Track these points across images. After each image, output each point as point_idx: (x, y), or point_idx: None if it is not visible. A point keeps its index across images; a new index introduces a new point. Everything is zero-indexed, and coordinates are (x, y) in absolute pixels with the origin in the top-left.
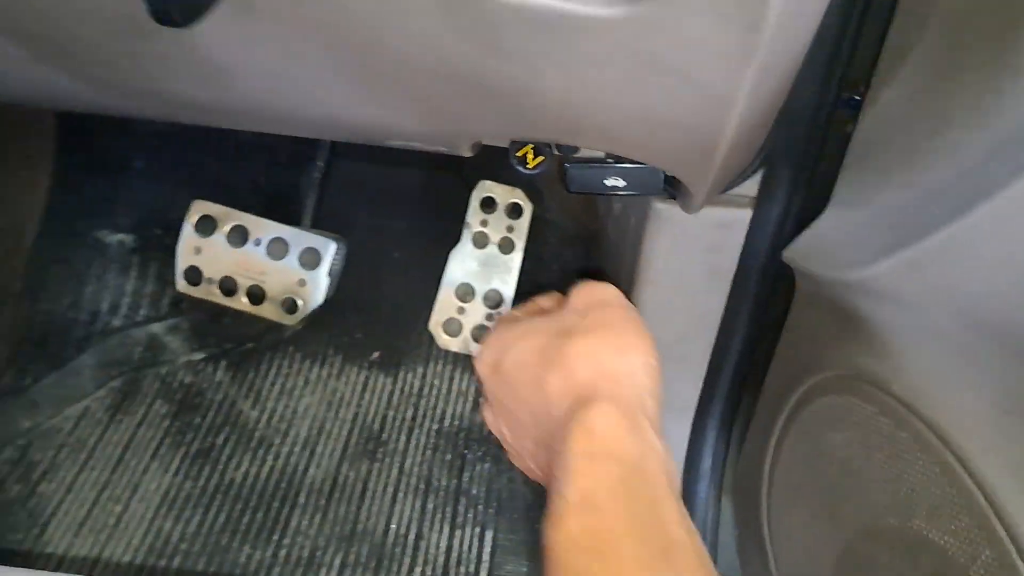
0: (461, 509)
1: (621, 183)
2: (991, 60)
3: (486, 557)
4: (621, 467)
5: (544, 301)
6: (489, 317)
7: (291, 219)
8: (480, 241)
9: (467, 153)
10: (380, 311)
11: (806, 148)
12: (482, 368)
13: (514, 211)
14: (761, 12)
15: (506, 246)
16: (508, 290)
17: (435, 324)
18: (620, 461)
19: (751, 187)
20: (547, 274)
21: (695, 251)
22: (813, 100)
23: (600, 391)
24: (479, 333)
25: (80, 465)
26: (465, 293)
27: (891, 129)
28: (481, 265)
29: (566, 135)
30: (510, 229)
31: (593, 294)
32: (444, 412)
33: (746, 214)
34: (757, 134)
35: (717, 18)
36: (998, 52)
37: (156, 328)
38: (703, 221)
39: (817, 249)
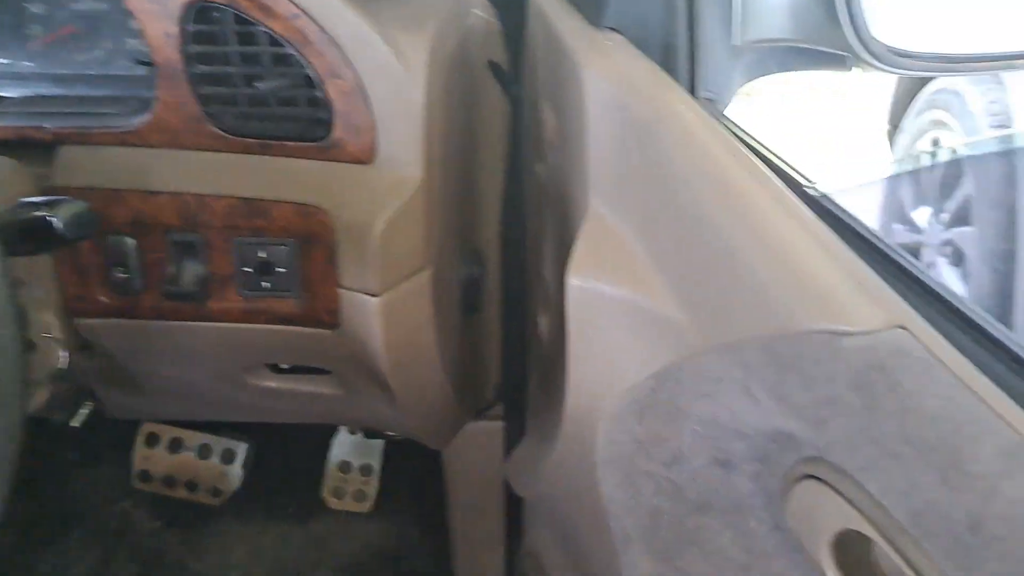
0: None
1: None
2: None
3: None
4: None
5: None
6: (364, 483)
7: (214, 426)
8: (354, 430)
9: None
10: (284, 491)
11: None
12: None
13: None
14: None
15: (370, 432)
16: (376, 464)
17: (326, 492)
18: None
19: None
20: None
21: None
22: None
23: None
24: (360, 496)
25: None
26: (346, 468)
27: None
28: (353, 446)
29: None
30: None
31: None
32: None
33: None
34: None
35: None
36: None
37: (126, 505)
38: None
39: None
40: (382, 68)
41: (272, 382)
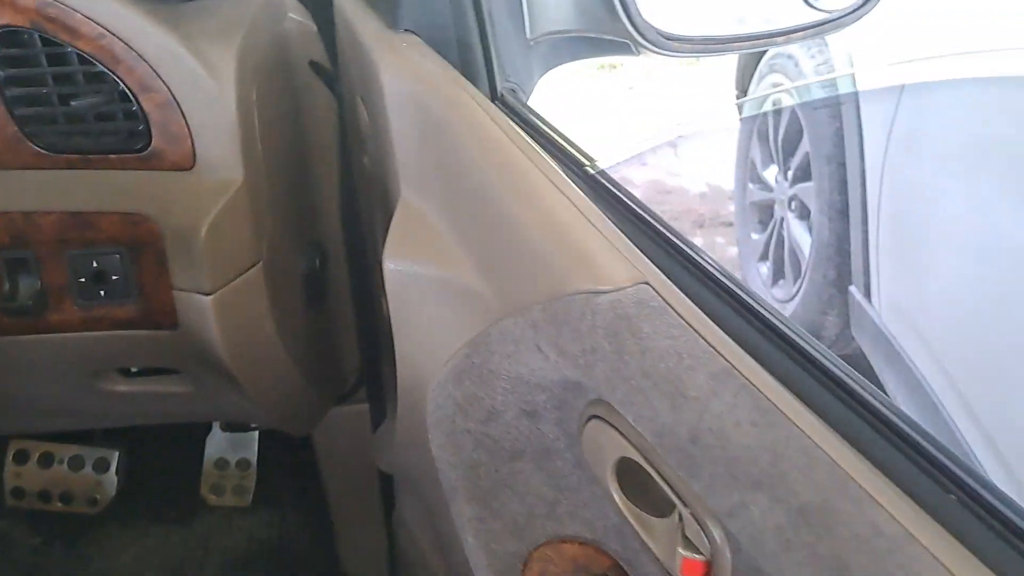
0: None
1: None
2: None
3: None
4: None
5: None
6: (242, 478)
7: (83, 436)
8: (226, 426)
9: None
10: (162, 493)
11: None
12: None
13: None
14: None
15: (243, 426)
16: (253, 457)
17: (205, 490)
18: None
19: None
20: None
21: None
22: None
23: None
24: (239, 490)
25: None
26: (223, 464)
27: None
28: (228, 442)
29: None
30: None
31: None
32: None
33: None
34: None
35: None
36: None
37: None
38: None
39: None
40: (191, 80)
41: (124, 386)
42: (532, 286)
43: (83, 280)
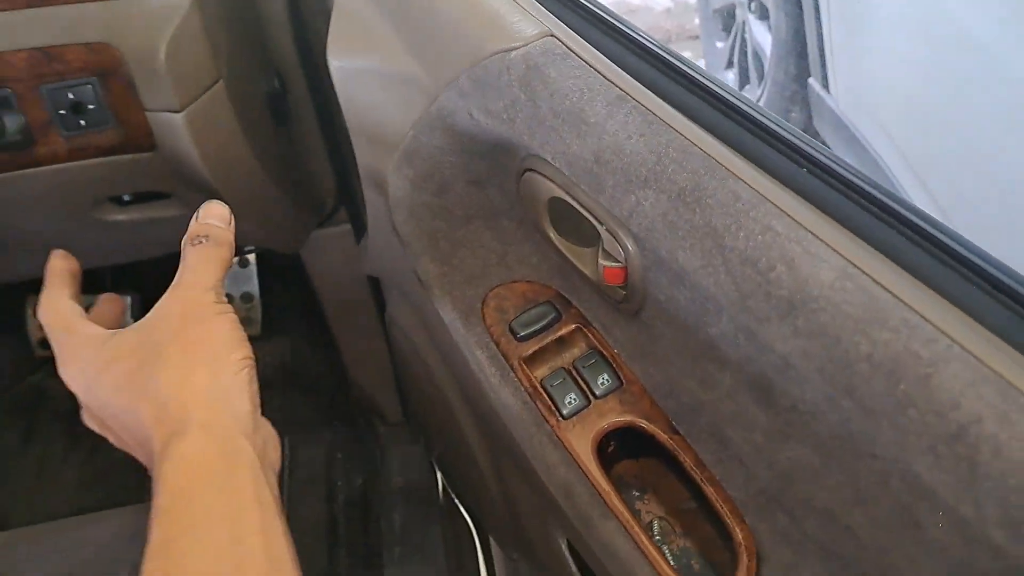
0: None
1: None
2: None
3: None
4: (204, 506)
5: (107, 306)
6: (248, 310)
7: (97, 286)
8: None
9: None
10: None
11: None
12: (75, 387)
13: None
14: None
15: (243, 262)
16: (254, 290)
17: None
18: (203, 498)
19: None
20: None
21: None
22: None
23: (192, 421)
24: (248, 322)
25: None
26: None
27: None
28: (232, 280)
29: None
30: (243, 256)
31: (185, 298)
32: None
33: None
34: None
35: None
36: None
37: (37, 379)
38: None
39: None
40: None
41: (120, 215)
42: (456, 58)
43: (63, 112)
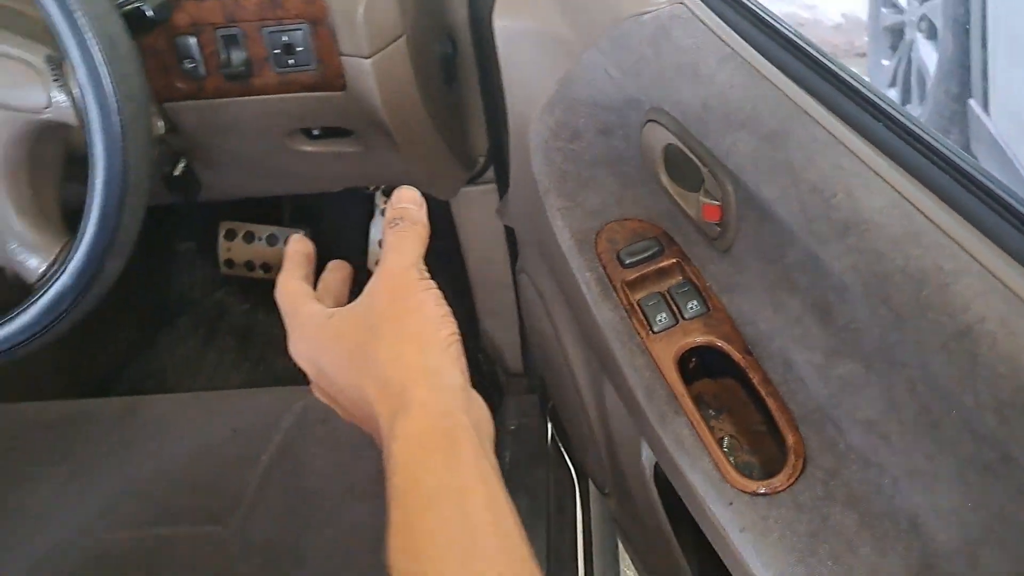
0: None
1: None
2: None
3: None
4: (432, 486)
5: (333, 274)
6: None
7: (276, 219)
8: (385, 213)
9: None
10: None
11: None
12: (302, 364)
13: None
14: None
15: None
16: None
17: (370, 264)
18: (430, 477)
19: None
20: None
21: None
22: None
23: (412, 399)
24: None
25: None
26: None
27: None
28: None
29: None
30: None
31: (391, 276)
32: None
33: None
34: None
35: None
36: None
37: (219, 295)
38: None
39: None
40: None
41: (308, 146)
42: (599, 20)
43: (277, 51)
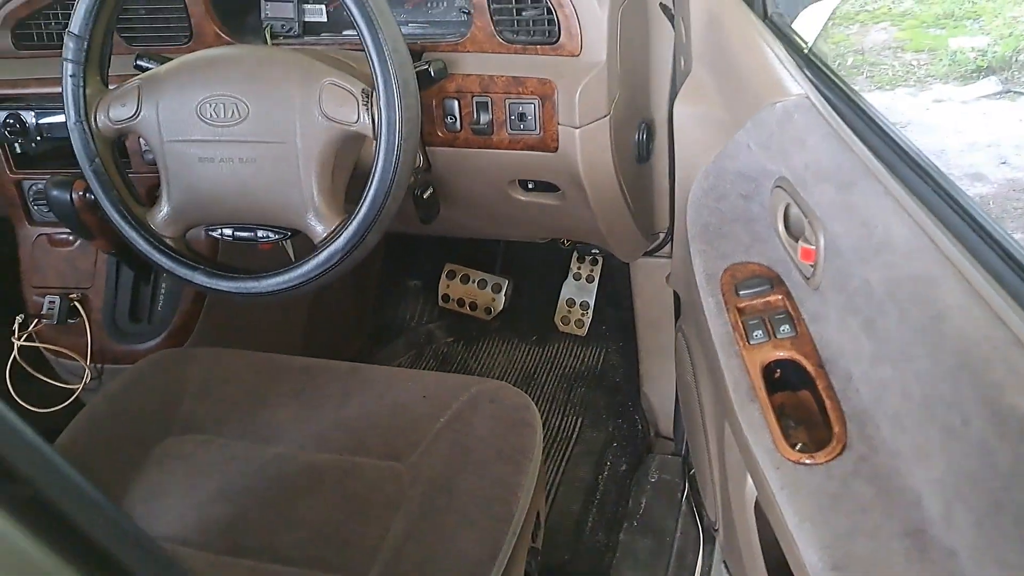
0: None
1: None
2: None
3: None
4: None
5: None
6: (583, 315)
7: (488, 268)
8: (576, 276)
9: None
10: (529, 316)
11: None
12: None
13: (594, 262)
14: None
15: (590, 278)
16: (591, 301)
17: (557, 319)
18: None
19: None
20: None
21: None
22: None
23: None
24: (579, 324)
25: None
26: (571, 303)
27: None
28: (578, 288)
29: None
30: (591, 273)
31: None
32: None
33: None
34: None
35: None
36: None
37: (431, 326)
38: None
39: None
40: (586, 2)
41: (522, 196)
42: (746, 106)
43: (513, 117)
